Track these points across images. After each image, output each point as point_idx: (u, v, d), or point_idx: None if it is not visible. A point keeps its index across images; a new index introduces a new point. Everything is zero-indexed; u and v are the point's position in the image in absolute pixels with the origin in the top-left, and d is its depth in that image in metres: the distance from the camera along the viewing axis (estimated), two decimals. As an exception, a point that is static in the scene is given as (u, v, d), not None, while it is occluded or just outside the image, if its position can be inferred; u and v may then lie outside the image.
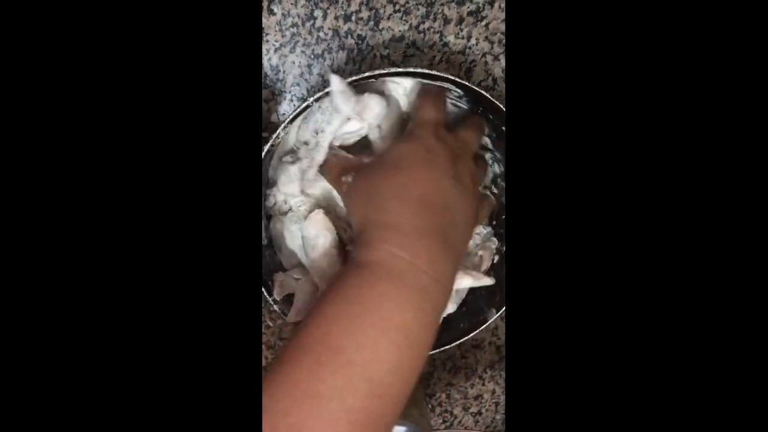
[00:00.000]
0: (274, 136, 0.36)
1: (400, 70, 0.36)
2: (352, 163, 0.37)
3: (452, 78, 0.36)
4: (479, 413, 0.56)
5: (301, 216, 0.40)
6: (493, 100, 0.36)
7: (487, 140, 0.42)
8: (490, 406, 0.56)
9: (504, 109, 0.37)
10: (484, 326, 0.41)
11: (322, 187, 0.40)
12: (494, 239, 0.43)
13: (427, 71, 0.36)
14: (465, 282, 0.39)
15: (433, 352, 0.41)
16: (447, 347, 0.41)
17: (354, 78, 0.35)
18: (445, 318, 0.43)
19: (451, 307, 0.43)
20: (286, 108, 0.43)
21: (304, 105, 0.35)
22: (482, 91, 0.36)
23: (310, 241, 0.38)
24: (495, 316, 0.41)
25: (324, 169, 0.38)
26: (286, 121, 0.35)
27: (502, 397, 0.55)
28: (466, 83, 0.36)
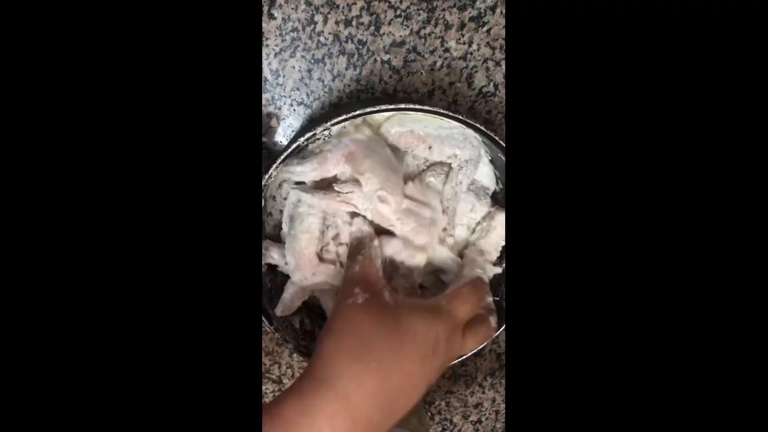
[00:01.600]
0: (266, 176, 0.36)
1: (390, 107, 0.35)
2: (374, 286, 0.35)
3: (451, 114, 0.36)
4: (479, 422, 0.56)
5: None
6: (493, 135, 0.37)
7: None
8: (490, 414, 0.55)
9: (503, 144, 0.37)
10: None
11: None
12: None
13: (419, 107, 0.35)
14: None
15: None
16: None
17: (338, 120, 0.35)
18: None
19: None
20: (285, 127, 0.42)
21: (295, 146, 0.35)
22: (485, 129, 0.36)
23: (301, 210, 0.37)
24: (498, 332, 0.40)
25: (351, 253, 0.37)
26: (278, 162, 0.36)
27: (503, 406, 0.55)
28: (469, 120, 0.36)
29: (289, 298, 0.40)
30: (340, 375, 0.29)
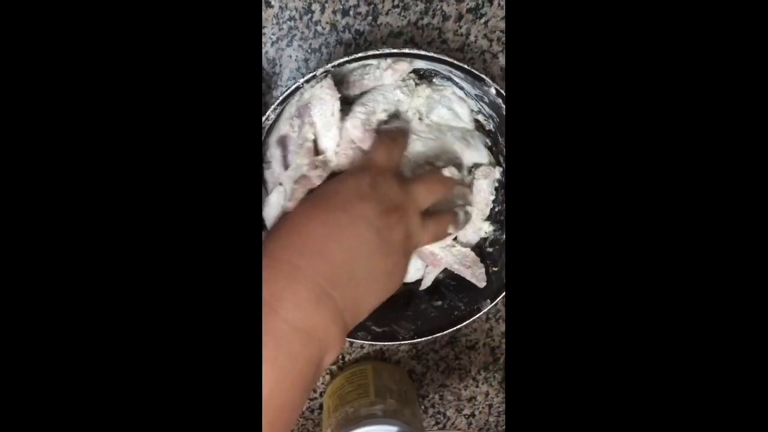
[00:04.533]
0: (265, 117, 0.36)
1: (394, 51, 0.35)
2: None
3: (447, 59, 0.35)
4: (472, 415, 0.56)
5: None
6: (485, 77, 0.36)
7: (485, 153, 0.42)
8: (483, 408, 0.55)
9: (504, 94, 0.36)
10: (477, 315, 0.41)
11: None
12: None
13: (423, 52, 0.35)
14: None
15: (430, 337, 0.41)
16: (445, 332, 0.41)
17: (341, 60, 0.34)
18: (440, 304, 0.43)
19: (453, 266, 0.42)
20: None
21: (294, 86, 0.35)
22: (482, 75, 0.36)
23: (316, 102, 0.37)
24: (489, 306, 0.41)
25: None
26: (277, 102, 0.35)
27: (496, 399, 0.55)
28: (464, 65, 0.35)
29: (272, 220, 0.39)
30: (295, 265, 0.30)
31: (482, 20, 0.41)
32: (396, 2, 0.40)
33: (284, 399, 0.28)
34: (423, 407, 0.55)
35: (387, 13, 0.41)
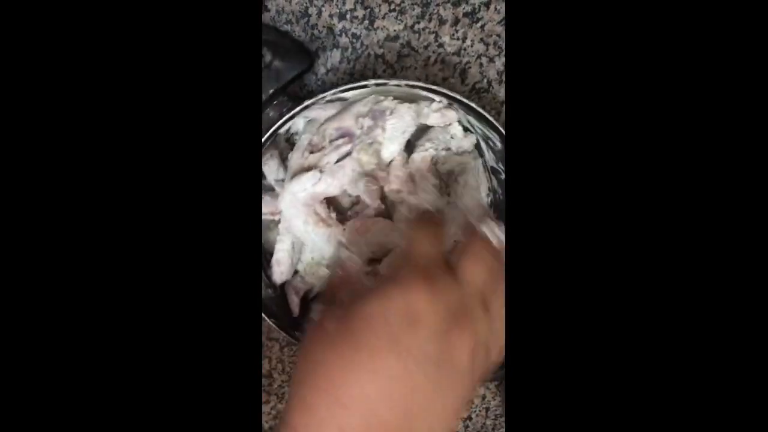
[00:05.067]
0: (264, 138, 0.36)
1: (401, 82, 0.36)
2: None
3: (451, 94, 0.36)
4: (469, 418, 0.56)
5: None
6: (493, 120, 0.37)
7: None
8: (480, 411, 0.55)
9: (498, 125, 0.37)
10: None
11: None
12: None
13: (425, 85, 0.36)
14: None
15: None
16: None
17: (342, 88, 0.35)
18: None
19: None
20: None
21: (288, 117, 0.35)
22: (484, 112, 0.37)
23: (396, 115, 0.37)
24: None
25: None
26: (273, 128, 0.36)
27: (493, 402, 0.55)
28: (469, 102, 0.36)
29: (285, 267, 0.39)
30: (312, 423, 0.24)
31: (478, 24, 0.41)
32: (392, 6, 0.40)
33: None
34: (420, 410, 0.55)
35: (383, 17, 0.41)
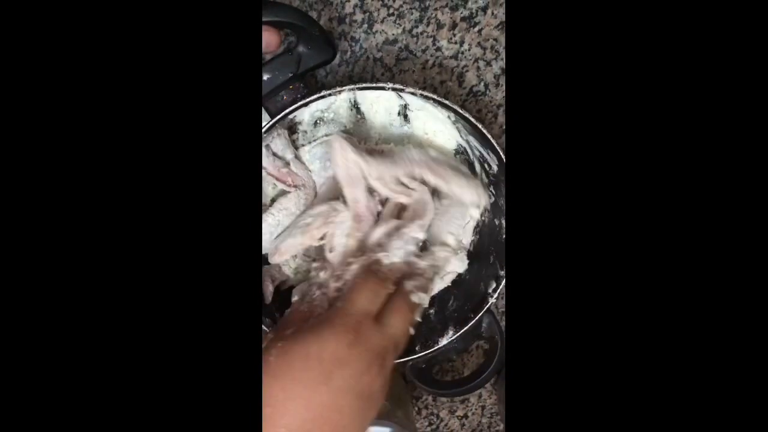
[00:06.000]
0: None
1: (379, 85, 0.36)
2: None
3: (455, 108, 0.36)
4: (465, 416, 0.56)
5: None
6: (490, 138, 0.37)
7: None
8: (476, 409, 0.56)
9: (498, 149, 0.37)
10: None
11: None
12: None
13: (427, 94, 0.36)
14: (453, 266, 0.40)
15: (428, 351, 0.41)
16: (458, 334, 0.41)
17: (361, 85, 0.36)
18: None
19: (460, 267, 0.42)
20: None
21: (288, 110, 0.36)
22: (482, 127, 0.37)
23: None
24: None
25: None
26: (269, 123, 0.36)
27: (489, 401, 0.56)
28: (475, 121, 0.36)
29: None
30: None
31: (476, 29, 0.42)
32: (391, 10, 0.41)
33: None
34: (416, 409, 0.55)
35: (382, 21, 0.41)
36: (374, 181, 0.37)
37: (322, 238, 0.39)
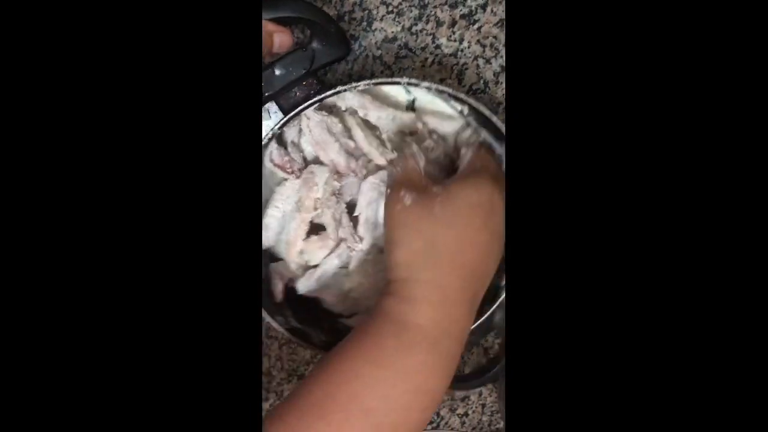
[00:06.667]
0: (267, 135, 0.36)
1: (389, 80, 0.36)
2: (418, 183, 0.35)
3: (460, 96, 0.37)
4: (466, 414, 0.56)
5: None
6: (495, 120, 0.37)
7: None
8: (476, 407, 0.56)
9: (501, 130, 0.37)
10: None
11: None
12: None
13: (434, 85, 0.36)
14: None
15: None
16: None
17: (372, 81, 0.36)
18: None
19: None
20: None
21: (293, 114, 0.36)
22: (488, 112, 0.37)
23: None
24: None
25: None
26: (275, 125, 0.36)
27: (489, 399, 0.56)
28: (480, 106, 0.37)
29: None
30: (418, 285, 0.31)
31: (475, 26, 0.42)
32: (390, 8, 0.41)
33: None
34: (417, 407, 0.55)
35: (381, 19, 0.41)
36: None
37: (316, 208, 0.39)
